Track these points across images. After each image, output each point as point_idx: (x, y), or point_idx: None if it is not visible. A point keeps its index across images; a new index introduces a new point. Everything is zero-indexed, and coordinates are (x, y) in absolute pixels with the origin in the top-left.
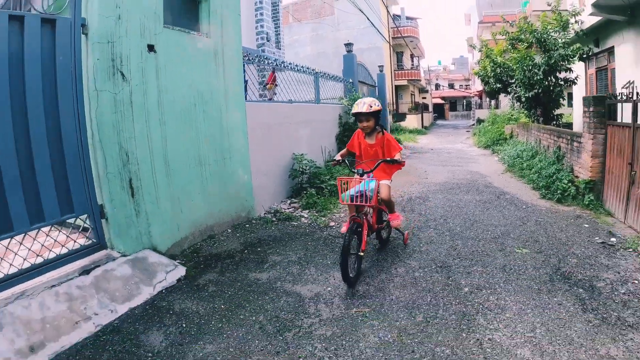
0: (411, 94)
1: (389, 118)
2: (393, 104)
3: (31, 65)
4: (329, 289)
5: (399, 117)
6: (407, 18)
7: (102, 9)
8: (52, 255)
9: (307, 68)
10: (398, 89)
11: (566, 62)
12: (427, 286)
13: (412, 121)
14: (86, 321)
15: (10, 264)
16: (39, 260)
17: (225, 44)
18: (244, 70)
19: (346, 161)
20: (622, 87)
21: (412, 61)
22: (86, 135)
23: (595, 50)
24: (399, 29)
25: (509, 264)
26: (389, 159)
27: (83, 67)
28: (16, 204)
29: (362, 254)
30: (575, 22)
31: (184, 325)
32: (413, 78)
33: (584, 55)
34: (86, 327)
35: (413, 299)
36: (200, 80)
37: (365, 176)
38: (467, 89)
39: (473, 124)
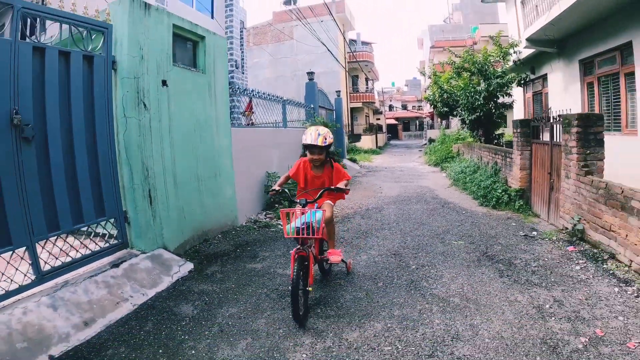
0: (366, 116)
1: (345, 139)
2: (348, 126)
3: (75, 94)
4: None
5: (355, 137)
6: (363, 43)
7: (130, 50)
8: (84, 253)
9: (277, 97)
10: (353, 110)
11: (505, 89)
12: (384, 266)
13: (366, 142)
14: (124, 302)
15: (56, 258)
16: (77, 256)
17: (217, 78)
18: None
19: (286, 191)
20: (542, 112)
21: (367, 84)
22: (115, 153)
23: (532, 76)
24: (355, 53)
25: (447, 250)
26: (332, 187)
27: (113, 97)
28: (63, 208)
29: (310, 289)
30: (514, 52)
31: (206, 299)
32: (368, 100)
33: (522, 81)
34: (126, 306)
35: (375, 274)
36: (198, 109)
37: (308, 205)
38: (419, 109)
39: (425, 144)
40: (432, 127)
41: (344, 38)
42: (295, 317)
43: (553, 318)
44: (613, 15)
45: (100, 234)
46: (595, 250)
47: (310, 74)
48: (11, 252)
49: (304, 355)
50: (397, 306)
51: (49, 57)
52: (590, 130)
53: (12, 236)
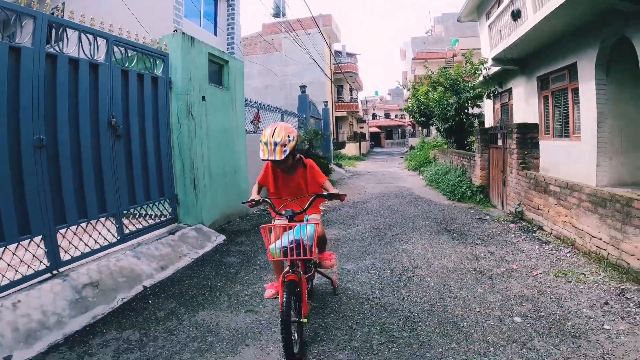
0: (350, 124)
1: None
2: (334, 134)
3: (147, 105)
4: None
5: (339, 145)
6: (348, 54)
7: (182, 73)
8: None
9: (277, 108)
10: (338, 119)
11: (474, 101)
12: (369, 234)
13: (351, 149)
14: (184, 256)
15: (135, 225)
16: (145, 225)
17: (237, 94)
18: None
19: (268, 200)
20: (497, 122)
21: (351, 94)
22: (171, 150)
23: (500, 90)
24: (340, 65)
25: (415, 226)
26: (326, 193)
27: (170, 109)
28: (139, 188)
29: (304, 320)
30: (484, 68)
31: (244, 254)
32: (352, 110)
33: (491, 94)
34: (185, 259)
35: (362, 238)
36: (224, 119)
37: (296, 217)
38: (402, 118)
39: (406, 151)
40: (413, 135)
41: (330, 50)
42: (289, 355)
43: (484, 260)
44: (561, 40)
45: (153, 214)
46: (529, 225)
47: (303, 87)
48: (105, 218)
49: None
50: (378, 253)
51: (130, 78)
52: (527, 136)
53: (107, 206)
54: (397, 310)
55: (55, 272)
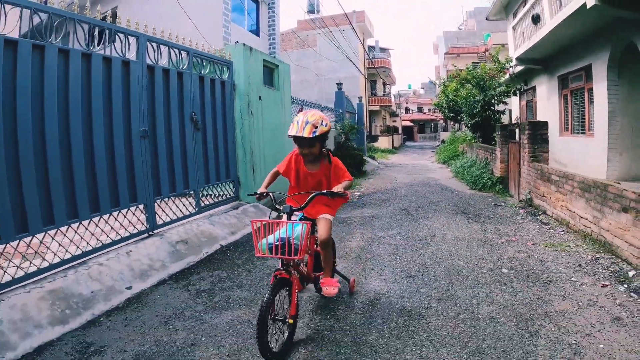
0: (383, 118)
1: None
2: (367, 127)
3: (218, 104)
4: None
5: (372, 138)
6: (381, 49)
7: (244, 77)
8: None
9: (317, 104)
10: (372, 113)
11: (501, 98)
12: (398, 213)
13: (383, 142)
14: (247, 226)
15: (208, 201)
16: (214, 201)
17: (285, 93)
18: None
19: (270, 195)
20: (514, 119)
21: (384, 88)
22: (235, 140)
23: (525, 87)
24: (373, 60)
25: (437, 209)
26: (326, 191)
27: (234, 107)
28: (212, 170)
29: (291, 320)
30: (510, 67)
31: None
32: (385, 104)
33: (517, 91)
34: (248, 228)
35: (391, 215)
36: (275, 115)
37: (293, 216)
38: (434, 112)
39: (438, 145)
40: (445, 129)
41: (364, 46)
42: (264, 354)
43: (490, 233)
44: (577, 43)
45: (219, 194)
46: (535, 210)
47: (339, 84)
48: (187, 193)
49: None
50: (403, 226)
51: (205, 82)
52: (537, 132)
53: (189, 183)
54: (415, 261)
55: (151, 232)
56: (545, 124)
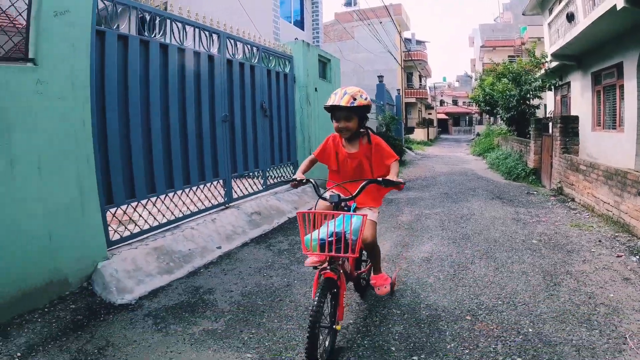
0: (419, 110)
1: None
2: (404, 119)
3: (282, 94)
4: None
5: (408, 130)
6: (417, 42)
7: (303, 71)
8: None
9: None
10: (408, 105)
11: (536, 93)
12: (439, 196)
13: (419, 134)
14: (307, 203)
15: (272, 180)
16: (276, 181)
17: (335, 85)
18: None
19: (312, 181)
20: (548, 114)
21: (420, 81)
22: (295, 127)
23: (560, 82)
24: (410, 52)
25: (474, 194)
26: (381, 179)
27: (294, 97)
28: (276, 152)
29: (338, 327)
30: (545, 62)
31: None
32: (421, 97)
33: (552, 87)
34: (309, 204)
35: (434, 198)
36: None
37: (342, 205)
38: (469, 105)
39: (473, 138)
40: (480, 122)
41: (401, 38)
42: None
43: (522, 215)
44: (609, 41)
45: (279, 175)
46: (565, 198)
47: (380, 77)
48: (254, 173)
49: None
50: (446, 207)
51: (272, 75)
52: (568, 126)
53: (259, 164)
54: (458, 232)
55: (228, 205)
56: (576, 118)
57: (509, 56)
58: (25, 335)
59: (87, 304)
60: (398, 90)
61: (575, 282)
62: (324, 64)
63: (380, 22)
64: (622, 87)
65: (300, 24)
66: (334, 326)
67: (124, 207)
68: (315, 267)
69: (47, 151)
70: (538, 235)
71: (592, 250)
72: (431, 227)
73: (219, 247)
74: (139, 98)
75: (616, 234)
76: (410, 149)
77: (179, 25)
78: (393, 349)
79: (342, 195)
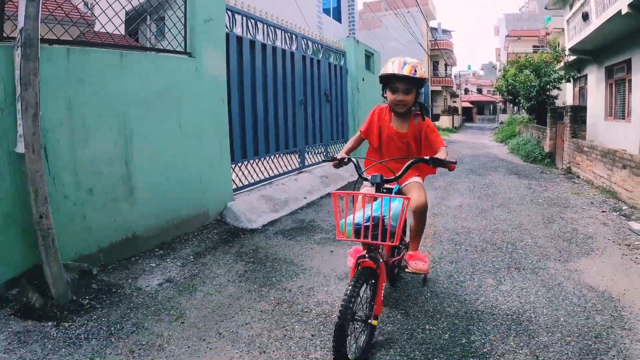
0: (444, 99)
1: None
2: (430, 107)
3: (338, 83)
4: None
5: (434, 117)
6: (443, 31)
7: (353, 64)
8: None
9: None
10: (433, 93)
11: (555, 84)
12: (466, 172)
13: (444, 121)
14: (351, 177)
15: (330, 154)
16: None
17: (376, 75)
18: None
19: (354, 160)
20: (562, 104)
21: (446, 69)
22: (347, 112)
23: (578, 75)
24: (436, 42)
25: (496, 171)
26: (428, 157)
27: (347, 86)
28: (334, 132)
29: (375, 322)
30: (565, 55)
31: None
32: (446, 85)
33: (571, 78)
34: (352, 178)
35: (461, 173)
36: (372, 94)
37: (384, 187)
38: (494, 94)
39: (497, 127)
40: (504, 111)
41: (428, 27)
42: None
43: (534, 185)
44: (620, 39)
45: (334, 150)
46: (571, 175)
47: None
48: (318, 146)
49: None
50: (472, 178)
51: (331, 67)
52: (578, 115)
53: (323, 139)
54: (481, 192)
55: (302, 170)
56: (584, 108)
57: (533, 46)
58: (188, 248)
59: (225, 230)
60: (426, 79)
61: (565, 222)
62: (368, 57)
63: (408, 12)
64: (630, 81)
65: (337, 15)
66: (370, 321)
67: (239, 165)
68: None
69: (201, 118)
70: (543, 198)
71: (584, 207)
72: (461, 190)
73: (305, 198)
74: (249, 84)
75: (606, 199)
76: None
77: (272, 29)
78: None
79: (383, 176)
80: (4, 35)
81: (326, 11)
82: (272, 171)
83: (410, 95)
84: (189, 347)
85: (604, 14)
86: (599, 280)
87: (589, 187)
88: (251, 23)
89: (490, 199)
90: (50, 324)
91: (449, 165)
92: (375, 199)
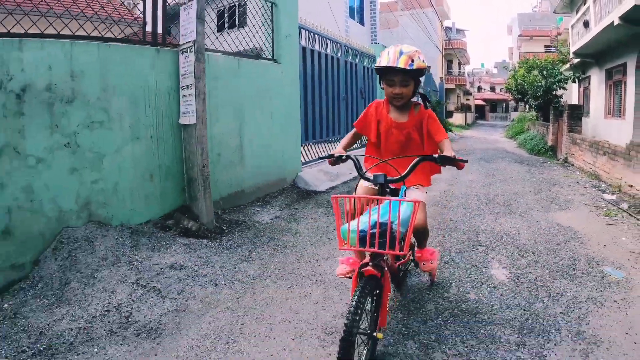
0: (457, 96)
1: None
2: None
3: (369, 83)
4: None
5: (447, 114)
6: (457, 30)
7: None
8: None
9: None
10: (447, 91)
11: (560, 84)
12: (476, 160)
13: (457, 119)
14: None
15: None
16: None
17: None
18: None
19: (353, 158)
20: (562, 103)
21: (460, 68)
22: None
23: (582, 76)
24: (450, 41)
25: (503, 160)
26: (437, 156)
27: (376, 83)
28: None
29: (380, 335)
30: (571, 58)
31: None
32: (460, 83)
33: (576, 79)
34: None
35: (474, 160)
36: None
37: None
38: (506, 92)
39: (508, 124)
40: (516, 109)
41: (442, 28)
42: None
43: (534, 171)
44: (617, 45)
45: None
46: (567, 164)
47: (428, 67)
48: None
49: None
50: (482, 164)
51: (365, 70)
52: (574, 112)
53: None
54: (489, 173)
55: None
56: (580, 107)
57: (545, 46)
58: (278, 201)
59: (300, 191)
60: (441, 78)
61: (551, 192)
62: None
63: (423, 12)
64: (625, 82)
65: (360, 18)
66: (375, 334)
67: (304, 145)
68: (348, 278)
69: (284, 109)
70: (538, 178)
71: (570, 185)
72: (472, 170)
73: (350, 173)
74: (310, 84)
75: (590, 180)
76: (450, 130)
77: (325, 40)
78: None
79: (387, 176)
80: (167, 42)
81: (350, 12)
82: (324, 152)
83: (408, 87)
84: (311, 244)
85: (600, 23)
86: (567, 222)
87: (580, 173)
88: (311, 36)
89: (495, 178)
90: (205, 240)
91: (458, 163)
92: (381, 202)
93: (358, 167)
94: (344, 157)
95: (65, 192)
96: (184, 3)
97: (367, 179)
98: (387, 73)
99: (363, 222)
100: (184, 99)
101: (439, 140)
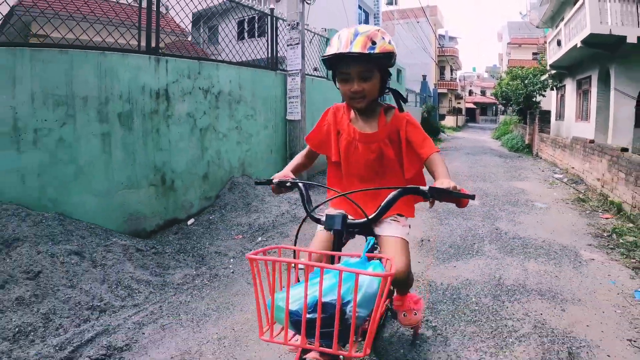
0: (449, 100)
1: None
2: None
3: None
4: None
5: (440, 117)
6: (450, 38)
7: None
8: None
9: (413, 91)
10: (439, 95)
11: (538, 92)
12: (465, 153)
13: (449, 121)
14: None
15: None
16: None
17: (403, 87)
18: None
19: (300, 186)
20: (540, 108)
21: (452, 73)
22: None
23: (559, 84)
24: (443, 49)
25: (485, 154)
26: (426, 189)
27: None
28: None
29: None
30: (549, 69)
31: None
32: (452, 88)
33: (554, 87)
34: None
35: (462, 154)
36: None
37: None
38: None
39: (497, 127)
40: (505, 113)
41: (435, 36)
42: None
43: (509, 162)
44: (584, 60)
45: None
46: (537, 158)
47: (424, 76)
48: None
49: None
50: (467, 156)
51: None
52: (544, 116)
53: None
54: (472, 162)
55: None
56: (548, 112)
57: (532, 53)
58: None
59: None
60: (435, 84)
61: (517, 173)
62: (399, 71)
63: (418, 22)
64: (591, 92)
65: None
66: None
67: None
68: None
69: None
70: (510, 165)
71: (532, 169)
72: (460, 157)
73: None
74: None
75: (550, 167)
76: (443, 131)
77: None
78: None
79: (350, 216)
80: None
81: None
82: None
83: (370, 81)
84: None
85: (569, 44)
86: (521, 186)
87: (545, 163)
88: None
89: (477, 165)
90: None
91: (459, 199)
92: (319, 268)
93: (305, 200)
94: (288, 184)
95: (234, 155)
96: (291, 45)
97: (318, 221)
98: (339, 64)
99: (299, 298)
100: (290, 104)
101: (425, 155)
